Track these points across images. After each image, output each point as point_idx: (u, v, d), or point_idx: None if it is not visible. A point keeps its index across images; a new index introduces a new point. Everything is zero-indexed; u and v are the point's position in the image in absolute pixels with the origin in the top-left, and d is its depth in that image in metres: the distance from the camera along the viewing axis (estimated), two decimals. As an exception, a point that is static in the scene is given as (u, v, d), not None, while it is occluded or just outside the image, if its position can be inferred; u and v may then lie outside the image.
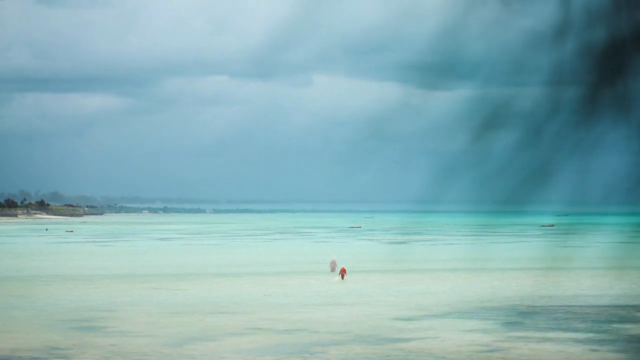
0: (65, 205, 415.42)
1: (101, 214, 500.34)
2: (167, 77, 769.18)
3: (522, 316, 38.49)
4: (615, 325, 35.42)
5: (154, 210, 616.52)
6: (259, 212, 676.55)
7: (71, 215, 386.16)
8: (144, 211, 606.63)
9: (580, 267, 66.57)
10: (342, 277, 57.57)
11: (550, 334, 32.84)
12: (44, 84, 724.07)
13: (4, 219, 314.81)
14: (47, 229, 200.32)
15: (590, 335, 32.70)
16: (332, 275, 55.42)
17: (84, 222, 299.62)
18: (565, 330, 33.96)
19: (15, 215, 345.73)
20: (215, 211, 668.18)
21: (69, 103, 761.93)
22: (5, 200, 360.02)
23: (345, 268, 59.52)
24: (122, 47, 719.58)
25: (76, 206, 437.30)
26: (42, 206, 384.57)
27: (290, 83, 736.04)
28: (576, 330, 33.97)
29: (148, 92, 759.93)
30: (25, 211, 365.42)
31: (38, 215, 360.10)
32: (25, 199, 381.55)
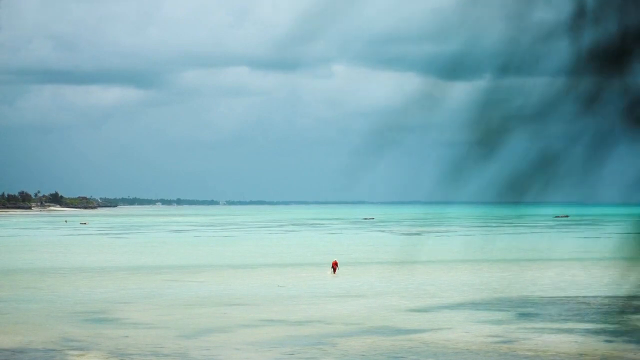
0: (79, 197, 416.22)
1: (115, 206, 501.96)
2: (186, 68, 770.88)
3: (536, 307, 38.42)
4: (629, 316, 35.32)
5: (168, 203, 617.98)
6: (272, 203, 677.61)
7: (85, 208, 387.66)
8: (157, 203, 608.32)
9: (595, 258, 66.42)
10: (334, 271, 57.10)
11: (564, 325, 32.77)
12: (64, 76, 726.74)
13: (19, 212, 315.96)
14: (66, 221, 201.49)
15: (605, 326, 32.62)
16: (334, 276, 55.25)
17: (98, 214, 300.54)
18: (580, 321, 33.89)
19: (29, 208, 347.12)
20: (229, 203, 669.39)
21: (88, 95, 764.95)
22: (19, 193, 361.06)
23: (337, 261, 59.12)
24: (142, 39, 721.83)
25: (90, 198, 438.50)
26: (55, 198, 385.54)
27: (310, 74, 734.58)
28: (591, 321, 33.90)
29: (167, 84, 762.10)
30: (39, 204, 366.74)
31: (52, 208, 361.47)
32: (39, 192, 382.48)
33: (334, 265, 58.00)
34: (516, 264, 63.73)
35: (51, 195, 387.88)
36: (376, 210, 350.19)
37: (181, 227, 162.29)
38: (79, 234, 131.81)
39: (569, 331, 31.37)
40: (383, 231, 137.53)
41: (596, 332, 31.11)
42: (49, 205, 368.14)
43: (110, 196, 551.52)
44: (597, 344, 28.74)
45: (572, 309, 37.48)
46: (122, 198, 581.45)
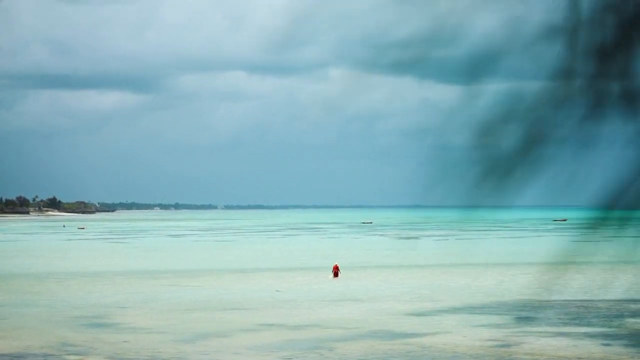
0: (77, 202, 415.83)
1: (113, 210, 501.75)
2: (184, 73, 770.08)
3: (535, 311, 38.45)
4: (627, 320, 35.35)
5: (166, 207, 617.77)
6: (270, 207, 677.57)
7: (83, 212, 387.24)
8: (155, 207, 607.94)
9: (593, 262, 66.41)
10: (336, 275, 57.25)
11: (563, 329, 32.80)
12: (62, 81, 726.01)
13: (17, 217, 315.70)
14: (64, 226, 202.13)
15: (603, 329, 32.64)
16: (335, 279, 55.36)
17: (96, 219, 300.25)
18: (578, 324, 33.92)
19: (27, 213, 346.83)
20: (227, 207, 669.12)
21: (86, 100, 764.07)
22: (17, 198, 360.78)
23: (338, 265, 59.29)
24: (140, 44, 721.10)
25: (88, 203, 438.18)
26: (53, 203, 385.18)
27: (307, 79, 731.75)
28: (589, 324, 33.92)
29: (165, 88, 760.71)
30: (37, 208, 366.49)
31: (50, 213, 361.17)
32: (36, 196, 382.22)
33: (335, 269, 58.08)
34: (516, 268, 63.75)
35: (49, 200, 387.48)
36: (375, 214, 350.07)
37: (179, 232, 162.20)
38: (77, 239, 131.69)
39: (567, 335, 31.39)
40: (382, 235, 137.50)
41: (594, 336, 31.13)
42: (47, 210, 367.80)
43: (108, 201, 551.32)
44: (595, 348, 28.77)
45: (569, 313, 37.50)
46: (120, 203, 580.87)
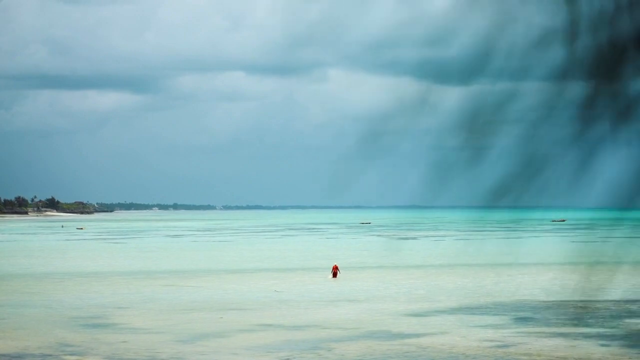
0: (75, 202, 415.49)
1: (111, 211, 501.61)
2: (183, 73, 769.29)
3: (533, 311, 38.46)
4: (626, 320, 35.36)
5: (164, 207, 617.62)
6: (269, 208, 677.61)
7: (81, 213, 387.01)
8: (154, 208, 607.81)
9: (591, 262, 66.41)
10: (335, 275, 57.32)
11: (560, 329, 32.80)
12: (60, 81, 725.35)
13: (16, 217, 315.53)
14: (62, 226, 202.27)
15: (601, 330, 32.65)
16: (334, 280, 55.38)
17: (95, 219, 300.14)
18: (576, 325, 33.93)
19: (26, 213, 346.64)
20: (226, 207, 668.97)
21: (85, 100, 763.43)
22: (16, 198, 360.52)
23: (338, 266, 59.37)
24: (138, 44, 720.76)
25: (86, 203, 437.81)
26: (51, 204, 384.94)
27: (306, 79, 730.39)
28: (587, 325, 33.93)
29: (164, 89, 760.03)
30: (35, 209, 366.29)
31: (48, 213, 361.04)
32: (35, 197, 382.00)
33: (335, 270, 58.09)
34: (514, 268, 63.73)
35: (48, 200, 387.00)
36: (374, 214, 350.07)
37: (178, 232, 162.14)
38: (75, 239, 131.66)
39: (565, 335, 31.40)
40: (380, 236, 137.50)
41: (592, 336, 31.14)
42: (46, 211, 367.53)
43: (107, 201, 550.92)
44: (593, 348, 28.78)
45: (568, 313, 37.51)
46: (119, 203, 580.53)
